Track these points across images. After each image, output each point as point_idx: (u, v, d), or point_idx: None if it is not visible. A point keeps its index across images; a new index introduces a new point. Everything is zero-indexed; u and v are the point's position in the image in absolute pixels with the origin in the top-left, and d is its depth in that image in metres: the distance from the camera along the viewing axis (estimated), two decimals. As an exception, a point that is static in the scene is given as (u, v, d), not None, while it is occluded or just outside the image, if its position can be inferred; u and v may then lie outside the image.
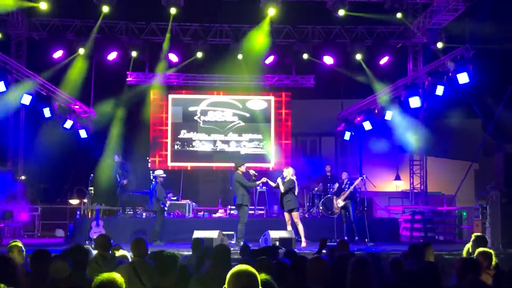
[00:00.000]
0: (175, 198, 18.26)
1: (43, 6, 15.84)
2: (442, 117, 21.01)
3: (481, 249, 7.08)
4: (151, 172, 17.76)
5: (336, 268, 6.05)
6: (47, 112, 17.28)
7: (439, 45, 17.77)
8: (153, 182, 15.91)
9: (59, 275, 5.79)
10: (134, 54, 18.92)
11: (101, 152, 19.86)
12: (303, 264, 5.95)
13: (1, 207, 16.29)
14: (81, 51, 18.34)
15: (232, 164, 15.42)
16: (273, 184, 14.96)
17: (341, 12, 16.47)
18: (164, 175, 16.02)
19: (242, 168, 14.65)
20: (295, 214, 14.53)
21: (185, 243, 13.16)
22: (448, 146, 21.79)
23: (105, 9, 16.28)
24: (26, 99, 16.24)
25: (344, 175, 15.85)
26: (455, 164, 22.44)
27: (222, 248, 6.72)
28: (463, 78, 15.53)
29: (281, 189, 14.53)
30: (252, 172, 14.85)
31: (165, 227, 15.52)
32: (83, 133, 19.50)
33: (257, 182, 15.01)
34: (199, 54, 19.00)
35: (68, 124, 18.63)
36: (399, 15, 16.52)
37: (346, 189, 15.29)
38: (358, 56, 18.82)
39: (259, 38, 18.47)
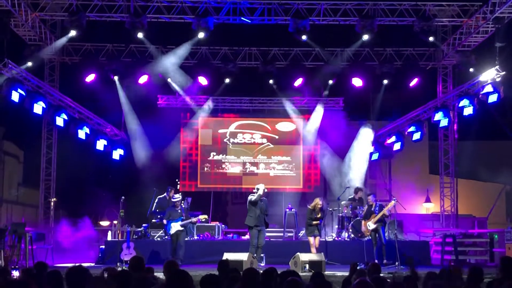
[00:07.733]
0: (204, 219, 18.22)
1: (73, 33, 16.23)
2: (473, 138, 20.82)
3: None
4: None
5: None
6: (81, 134, 17.58)
7: (469, 67, 17.64)
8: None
9: None
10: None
11: (132, 174, 20.03)
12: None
13: (34, 229, 16.47)
14: (116, 78, 18.65)
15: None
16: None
17: (368, 36, 16.58)
18: (179, 198, 15.99)
19: (260, 191, 14.42)
20: (317, 240, 14.88)
21: (215, 265, 13.10)
22: (479, 168, 21.55)
23: (140, 35, 16.56)
24: (60, 121, 16.66)
25: (370, 198, 15.78)
26: (486, 186, 22.17)
27: (251, 271, 6.65)
28: (492, 98, 15.47)
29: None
30: None
31: (181, 248, 15.40)
32: (115, 155, 19.69)
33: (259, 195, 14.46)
34: (227, 80, 19.15)
35: (100, 145, 18.88)
36: (431, 38, 16.52)
37: (377, 212, 15.20)
38: (385, 81, 18.86)
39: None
